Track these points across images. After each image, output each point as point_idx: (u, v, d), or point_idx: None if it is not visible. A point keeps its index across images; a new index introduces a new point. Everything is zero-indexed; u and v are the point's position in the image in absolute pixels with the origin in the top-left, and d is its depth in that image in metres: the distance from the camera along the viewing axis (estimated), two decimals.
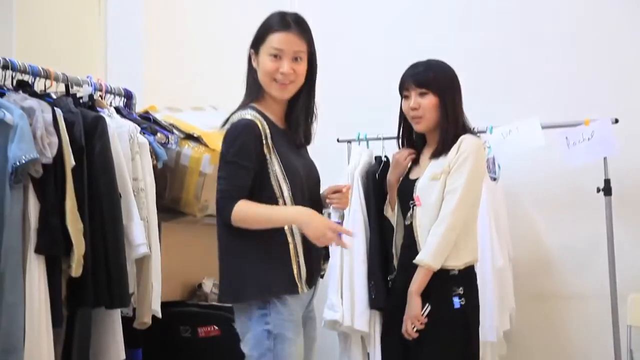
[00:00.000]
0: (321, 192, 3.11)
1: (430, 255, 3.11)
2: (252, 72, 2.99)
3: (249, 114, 2.87)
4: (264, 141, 2.85)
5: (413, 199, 3.26)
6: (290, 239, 2.84)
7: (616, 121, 4.09)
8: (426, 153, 3.38)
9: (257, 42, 2.94)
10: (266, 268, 2.82)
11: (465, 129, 3.31)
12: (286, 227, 2.84)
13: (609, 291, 4.12)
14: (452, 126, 3.25)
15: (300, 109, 2.99)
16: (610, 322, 4.10)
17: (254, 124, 2.84)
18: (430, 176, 3.23)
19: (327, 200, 3.06)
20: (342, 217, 3.02)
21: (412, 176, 3.37)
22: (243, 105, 2.95)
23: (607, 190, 4.16)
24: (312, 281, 2.88)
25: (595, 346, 4.36)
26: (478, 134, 3.43)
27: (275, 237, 2.83)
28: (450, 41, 4.65)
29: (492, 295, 3.93)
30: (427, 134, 3.35)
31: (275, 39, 2.89)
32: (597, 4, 4.65)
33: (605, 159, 4.16)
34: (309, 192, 2.98)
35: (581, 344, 4.50)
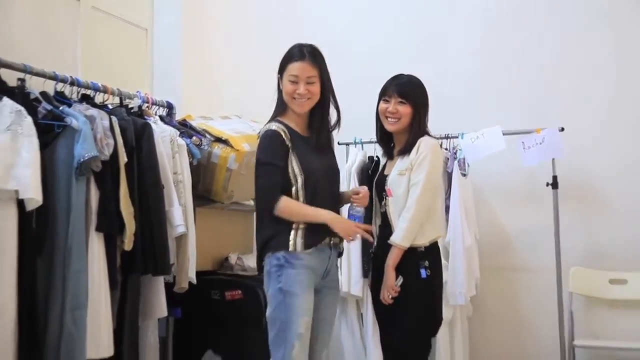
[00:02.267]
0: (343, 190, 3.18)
1: (400, 237, 3.10)
2: (279, 93, 3.06)
3: (274, 125, 2.97)
4: (287, 144, 2.93)
5: (385, 191, 3.25)
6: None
7: (562, 129, 4.11)
8: (396, 151, 3.33)
9: (281, 70, 3.02)
10: (276, 231, 2.92)
11: (424, 132, 3.27)
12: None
13: (554, 265, 4.16)
14: (417, 132, 3.23)
15: (315, 119, 3.05)
16: (556, 289, 4.14)
17: (277, 133, 2.94)
18: (397, 172, 3.20)
19: (351, 199, 3.08)
20: (363, 212, 3.06)
21: (386, 172, 3.32)
22: (271, 119, 3.04)
23: (554, 184, 4.21)
24: (309, 245, 2.90)
25: (543, 308, 4.38)
26: (433, 135, 3.35)
27: None
28: (428, 62, 4.61)
29: (462, 267, 3.99)
30: (396, 134, 3.31)
31: (293, 67, 2.97)
32: (545, 30, 4.64)
33: (553, 160, 4.20)
34: (327, 187, 3.03)
35: (532, 306, 4.51)
